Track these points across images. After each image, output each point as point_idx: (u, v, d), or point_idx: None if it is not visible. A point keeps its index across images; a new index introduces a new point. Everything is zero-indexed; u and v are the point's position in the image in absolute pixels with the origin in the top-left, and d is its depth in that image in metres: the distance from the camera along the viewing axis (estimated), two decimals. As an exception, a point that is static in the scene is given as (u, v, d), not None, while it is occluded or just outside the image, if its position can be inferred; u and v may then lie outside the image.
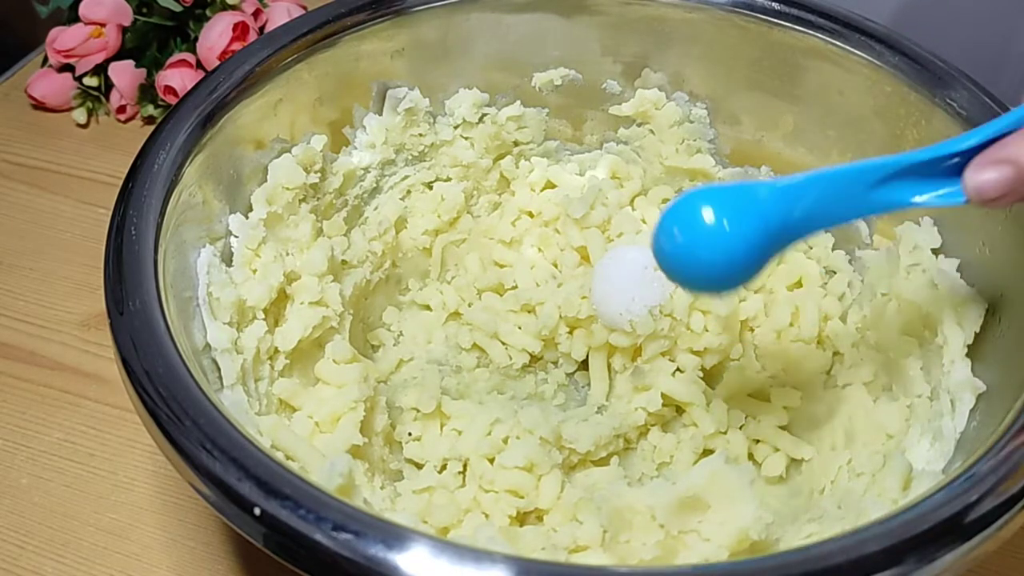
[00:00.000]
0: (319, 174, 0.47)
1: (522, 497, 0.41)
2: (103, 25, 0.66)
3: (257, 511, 0.29)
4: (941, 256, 0.42)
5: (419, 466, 0.44)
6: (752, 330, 0.49)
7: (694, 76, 0.51)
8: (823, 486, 0.42)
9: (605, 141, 0.55)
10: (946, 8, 0.72)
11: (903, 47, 0.45)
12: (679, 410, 0.47)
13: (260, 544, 0.29)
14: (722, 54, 0.50)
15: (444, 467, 0.44)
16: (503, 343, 0.49)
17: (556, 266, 0.52)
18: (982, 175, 0.32)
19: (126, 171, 0.39)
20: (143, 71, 0.68)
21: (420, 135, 0.51)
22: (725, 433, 0.45)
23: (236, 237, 0.43)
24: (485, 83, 0.52)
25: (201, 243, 0.40)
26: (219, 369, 0.38)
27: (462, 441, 0.44)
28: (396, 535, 0.28)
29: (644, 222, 0.52)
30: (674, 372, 0.47)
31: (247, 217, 0.43)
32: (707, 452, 0.45)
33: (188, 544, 0.44)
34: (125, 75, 0.67)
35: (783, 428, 0.45)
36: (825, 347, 0.48)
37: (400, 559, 0.27)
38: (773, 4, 0.47)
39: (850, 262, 0.49)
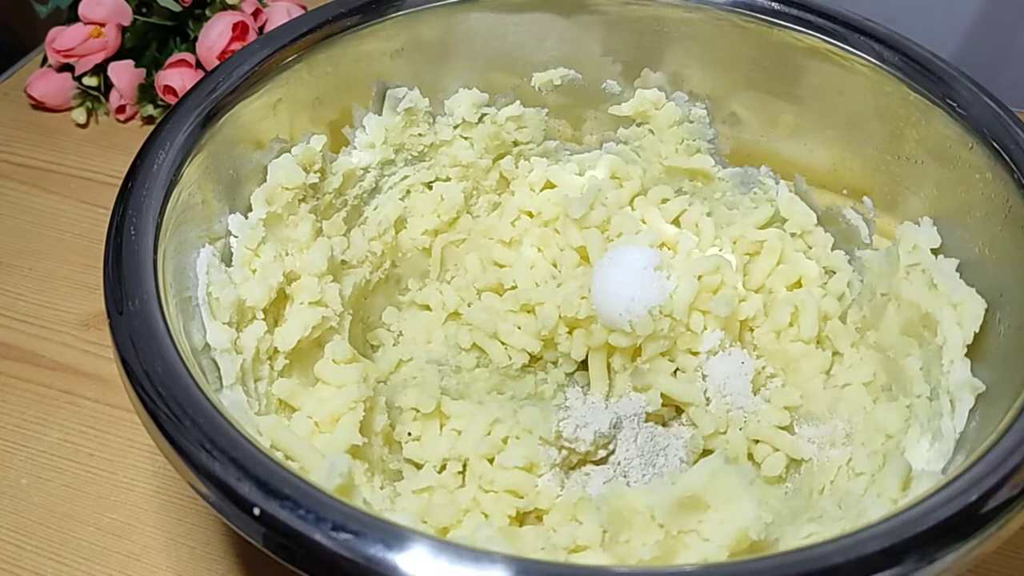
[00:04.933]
0: (319, 174, 0.47)
1: (521, 497, 0.41)
2: (102, 25, 0.66)
3: (257, 511, 0.29)
4: (941, 256, 0.42)
5: (419, 466, 0.44)
6: (752, 330, 0.49)
7: (694, 76, 0.51)
8: (823, 486, 0.42)
9: (605, 141, 0.55)
10: (946, 8, 0.72)
11: (903, 47, 0.45)
12: (679, 410, 0.47)
13: (260, 544, 0.29)
14: (722, 54, 0.50)
15: (444, 467, 0.44)
16: (503, 343, 0.49)
17: (556, 266, 0.52)
18: None
19: (126, 171, 0.39)
20: (142, 71, 0.68)
21: (420, 135, 0.51)
22: (725, 433, 0.45)
23: (235, 237, 0.43)
24: (485, 83, 0.52)
25: (200, 243, 0.40)
26: (219, 369, 0.38)
27: (462, 441, 0.44)
28: (396, 535, 0.28)
29: (644, 222, 0.52)
30: (674, 372, 0.47)
31: (247, 217, 0.43)
32: (707, 452, 0.45)
33: (188, 544, 0.44)
34: (124, 75, 0.67)
35: (783, 428, 0.45)
36: (825, 347, 0.48)
37: (400, 559, 0.27)
38: (773, 4, 0.47)
39: (850, 262, 0.49)
